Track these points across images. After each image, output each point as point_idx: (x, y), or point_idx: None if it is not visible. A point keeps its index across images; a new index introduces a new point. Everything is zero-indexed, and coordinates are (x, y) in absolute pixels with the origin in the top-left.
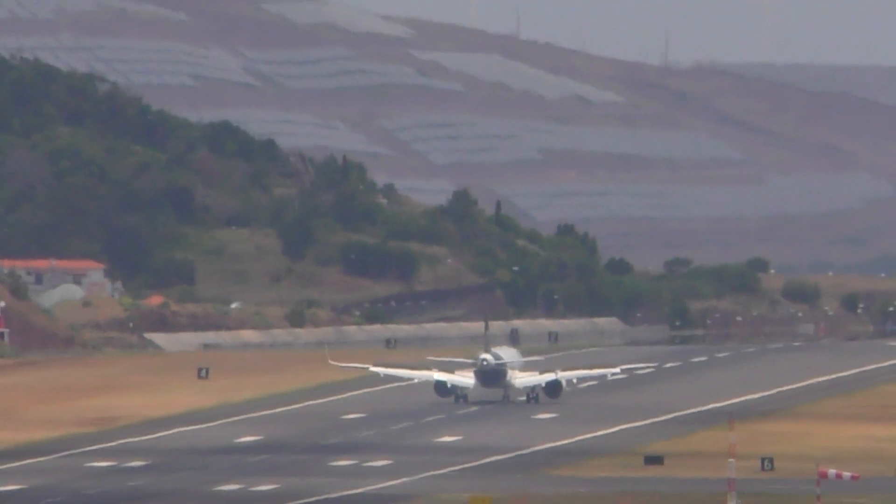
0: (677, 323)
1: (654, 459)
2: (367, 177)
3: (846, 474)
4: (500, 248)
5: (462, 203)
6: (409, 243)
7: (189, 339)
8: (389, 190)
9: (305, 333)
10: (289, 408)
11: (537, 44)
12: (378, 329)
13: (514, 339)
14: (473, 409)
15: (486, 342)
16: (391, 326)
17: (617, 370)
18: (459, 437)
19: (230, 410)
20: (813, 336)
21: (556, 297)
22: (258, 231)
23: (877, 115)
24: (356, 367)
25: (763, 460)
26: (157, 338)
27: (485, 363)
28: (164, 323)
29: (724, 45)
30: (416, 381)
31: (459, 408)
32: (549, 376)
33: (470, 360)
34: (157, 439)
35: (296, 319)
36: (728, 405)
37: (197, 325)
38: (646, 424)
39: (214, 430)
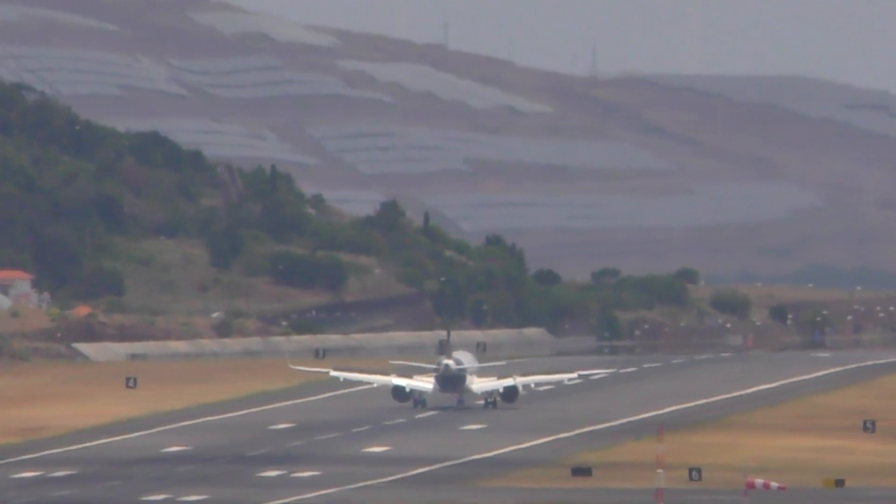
0: (605, 334)
1: (581, 471)
2: (295, 187)
3: (774, 485)
4: (428, 258)
5: (390, 213)
6: (337, 253)
7: (117, 349)
8: (318, 200)
9: (233, 343)
10: (217, 418)
11: (465, 54)
12: (306, 339)
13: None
14: (400, 420)
15: (448, 347)
16: (320, 337)
17: (574, 375)
18: (388, 448)
19: (158, 420)
20: (741, 347)
21: (484, 307)
22: (186, 241)
23: (804, 126)
24: (317, 371)
25: (691, 471)
26: (85, 348)
27: (447, 368)
28: (91, 333)
29: (651, 56)
30: (375, 385)
31: (387, 418)
32: (507, 382)
33: (431, 365)
34: (85, 449)
35: (223, 330)
36: (656, 416)
37: (125, 335)
38: (574, 435)
39: (142, 439)
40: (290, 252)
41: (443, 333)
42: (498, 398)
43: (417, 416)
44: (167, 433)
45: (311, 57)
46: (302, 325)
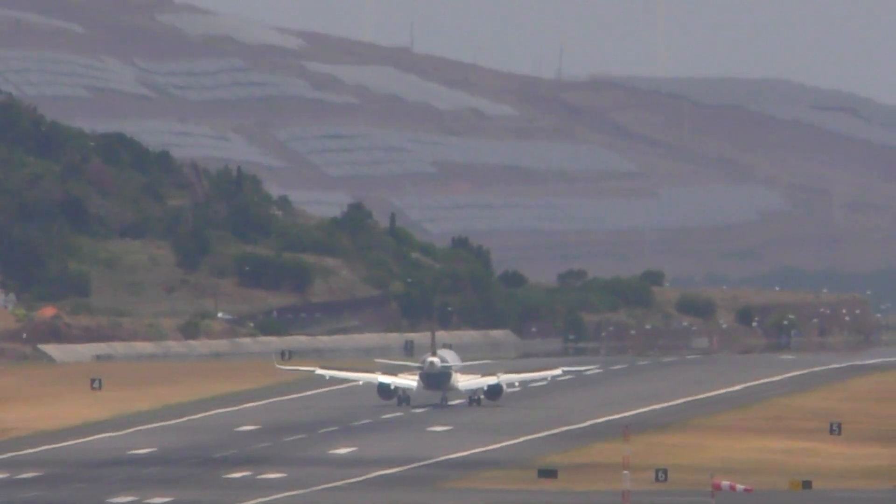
0: (571, 336)
1: (547, 472)
2: (261, 188)
3: (740, 486)
4: (394, 260)
5: (356, 215)
6: (303, 255)
7: (82, 351)
8: (284, 202)
9: (199, 345)
10: (183, 419)
11: (431, 57)
12: (273, 341)
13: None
14: (367, 421)
15: (433, 345)
16: (286, 338)
17: (559, 372)
18: (354, 449)
19: (123, 422)
20: (707, 349)
21: (450, 309)
22: (152, 242)
23: (771, 128)
24: (303, 370)
25: (657, 472)
26: (51, 349)
27: (431, 366)
28: (57, 334)
29: (618, 58)
30: (360, 382)
31: (354, 419)
32: (491, 380)
33: (416, 364)
34: (50, 451)
35: (190, 331)
36: (623, 417)
37: (90, 336)
38: (540, 437)
39: (108, 441)
40: (257, 253)
41: (409, 335)
42: (482, 396)
43: (384, 417)
44: (133, 435)
45: (278, 59)
46: (268, 326)
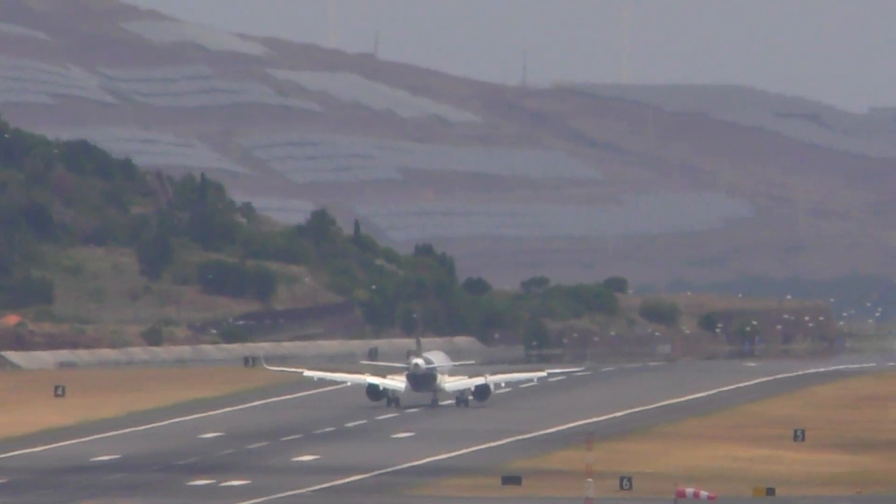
0: (534, 343)
1: (511, 479)
2: (225, 196)
3: (704, 494)
4: (358, 267)
5: (320, 222)
6: (267, 262)
7: (46, 358)
8: (248, 209)
9: (163, 352)
10: (146, 426)
11: (396, 64)
12: (236, 348)
13: (372, 356)
14: (330, 429)
15: (418, 347)
16: (249, 345)
17: (544, 373)
18: (317, 457)
19: (87, 429)
20: (670, 356)
21: (414, 315)
22: (116, 249)
23: (734, 135)
24: (291, 371)
25: (622, 479)
26: (14, 356)
27: (416, 367)
28: (20, 341)
29: (582, 65)
30: (349, 384)
31: (317, 427)
32: (479, 380)
33: (402, 365)
34: (13, 458)
35: (153, 338)
36: (586, 424)
37: (54, 343)
38: (504, 444)
39: (71, 448)
40: (220, 260)
41: (373, 342)
42: (470, 397)
43: (348, 425)
44: (96, 442)
45: (242, 66)
46: (231, 333)
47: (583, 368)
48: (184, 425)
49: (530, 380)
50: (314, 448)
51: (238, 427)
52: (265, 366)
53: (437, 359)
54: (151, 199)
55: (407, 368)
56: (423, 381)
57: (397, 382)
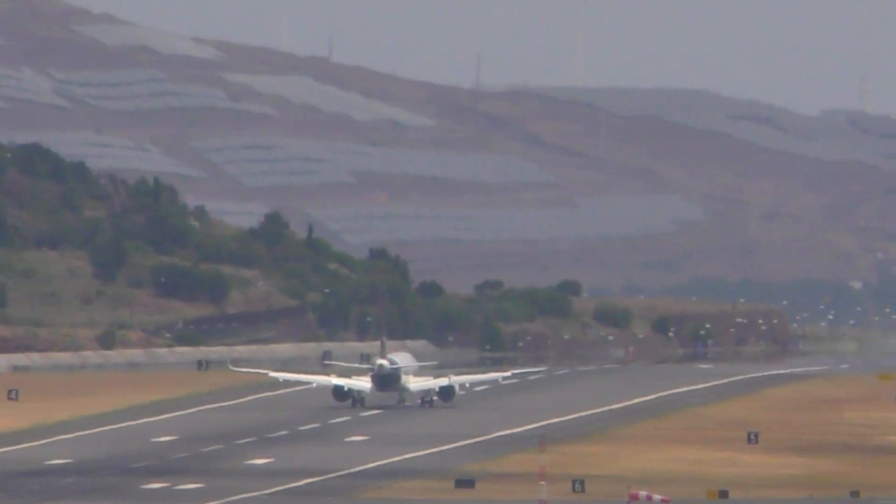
0: (487, 346)
1: (465, 482)
2: (178, 199)
3: (657, 496)
4: (311, 271)
5: (274, 226)
6: (220, 266)
7: None
8: (201, 212)
9: (116, 355)
10: (100, 430)
11: (349, 67)
12: (189, 351)
13: (326, 358)
14: (284, 433)
15: (383, 348)
16: (203, 349)
17: (508, 374)
18: (271, 460)
19: (41, 432)
20: (623, 359)
21: (368, 319)
22: (69, 253)
23: (687, 138)
24: (256, 373)
25: (574, 482)
26: None
27: (381, 367)
28: None
29: (535, 68)
30: (314, 385)
31: (270, 430)
32: (443, 381)
33: (367, 366)
34: None
35: (107, 341)
36: (540, 427)
37: (7, 346)
38: (457, 447)
39: (24, 451)
40: (173, 264)
41: (326, 345)
42: (435, 397)
43: (301, 428)
44: (50, 445)
45: (195, 70)
46: (184, 336)
47: (545, 369)
48: (138, 428)
49: (494, 380)
50: (268, 451)
51: (192, 430)
52: (230, 367)
53: (404, 359)
54: (105, 203)
55: (371, 369)
56: (387, 381)
57: (363, 383)
